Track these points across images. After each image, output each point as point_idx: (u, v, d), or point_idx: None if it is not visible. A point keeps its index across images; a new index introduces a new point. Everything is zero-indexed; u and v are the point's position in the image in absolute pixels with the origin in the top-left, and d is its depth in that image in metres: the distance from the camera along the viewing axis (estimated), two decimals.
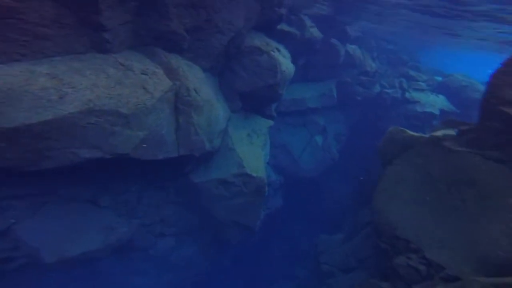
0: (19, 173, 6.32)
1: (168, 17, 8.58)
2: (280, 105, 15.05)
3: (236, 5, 10.05)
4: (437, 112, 19.29)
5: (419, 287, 7.15)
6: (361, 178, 14.77)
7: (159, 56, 8.69)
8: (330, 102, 17.13)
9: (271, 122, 12.67)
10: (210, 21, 9.59)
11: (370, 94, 18.74)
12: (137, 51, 8.43)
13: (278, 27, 12.87)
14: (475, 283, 5.96)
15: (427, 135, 9.31)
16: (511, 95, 7.51)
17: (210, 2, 9.23)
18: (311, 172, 16.15)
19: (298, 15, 14.41)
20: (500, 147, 7.64)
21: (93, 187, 8.71)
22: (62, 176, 7.47)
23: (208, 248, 11.62)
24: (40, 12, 6.36)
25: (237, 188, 10.24)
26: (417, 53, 27.56)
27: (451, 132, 9.10)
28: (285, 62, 11.84)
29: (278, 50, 11.90)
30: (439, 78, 24.24)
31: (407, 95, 19.68)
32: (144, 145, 7.71)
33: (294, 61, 13.22)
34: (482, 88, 21.81)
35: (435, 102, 20.47)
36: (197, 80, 9.29)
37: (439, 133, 9.24)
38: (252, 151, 11.00)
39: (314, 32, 14.79)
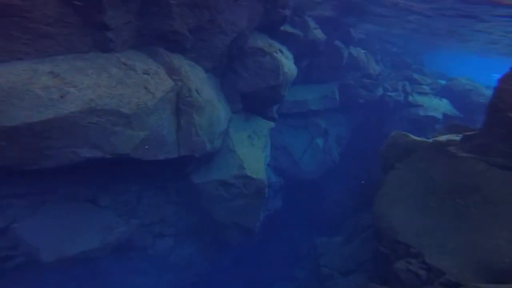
0: (19, 172, 6.35)
1: (171, 16, 8.62)
2: (282, 107, 15.06)
3: (239, 5, 10.09)
4: (440, 116, 19.28)
5: None
6: (362, 182, 14.80)
7: (162, 56, 8.73)
8: (333, 104, 17.14)
9: (272, 124, 12.69)
10: (213, 21, 9.63)
11: (373, 97, 18.74)
12: (140, 51, 8.48)
13: (282, 28, 12.88)
14: None
15: (430, 140, 9.34)
16: None
17: (213, 2, 9.27)
18: (312, 175, 16.17)
19: (302, 16, 14.43)
20: (506, 153, 7.66)
21: (93, 187, 8.75)
22: (62, 175, 7.51)
23: (207, 249, 11.66)
24: (44, 11, 6.41)
25: (237, 190, 10.28)
26: (421, 56, 27.49)
27: (455, 137, 9.13)
28: (287, 63, 11.87)
29: (281, 52, 11.93)
30: (443, 82, 24.20)
31: (410, 98, 19.68)
32: (147, 147, 7.75)
33: (296, 63, 13.24)
34: (486, 92, 21.78)
35: (438, 106, 20.46)
36: (199, 81, 9.32)
37: (443, 138, 9.28)
38: (252, 152, 11.04)
39: (318, 33, 14.81)
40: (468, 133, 8.71)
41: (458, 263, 6.95)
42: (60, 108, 6.25)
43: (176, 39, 9.01)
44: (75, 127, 6.53)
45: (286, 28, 13.22)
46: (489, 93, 21.70)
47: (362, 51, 18.65)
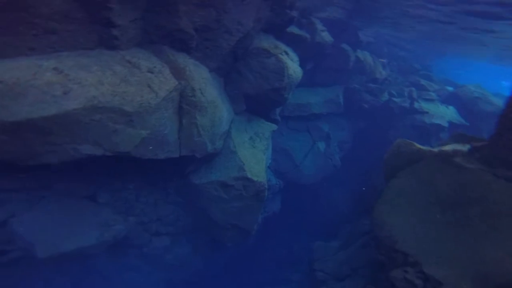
0: (19, 167, 6.45)
1: (177, 15, 8.69)
2: (285, 109, 15.12)
3: (246, 5, 10.13)
4: (445, 125, 19.18)
5: None
6: (363, 188, 14.84)
7: (166, 55, 8.80)
8: (336, 108, 17.16)
9: (274, 126, 12.73)
10: (219, 21, 9.68)
11: (378, 102, 18.70)
12: (145, 49, 8.55)
13: (288, 29, 12.92)
14: None
15: (435, 150, 9.30)
16: None
17: (220, 1, 9.32)
18: (312, 178, 16.22)
19: (309, 18, 14.45)
20: None
21: (91, 183, 8.86)
22: (62, 171, 7.62)
23: (203, 249, 11.76)
24: (51, 6, 6.50)
25: (237, 192, 10.34)
26: (429, 61, 27.40)
27: (461, 147, 9.08)
28: (293, 66, 11.90)
29: (287, 53, 11.96)
30: (450, 88, 24.06)
31: (416, 105, 19.55)
32: (150, 147, 7.84)
33: (302, 65, 13.26)
34: (495, 100, 21.59)
35: (445, 114, 20.33)
36: (203, 81, 9.39)
37: (449, 147, 9.23)
38: (253, 155, 11.09)
39: (325, 36, 14.82)
40: (476, 144, 8.69)
41: (456, 274, 6.97)
42: (62, 104, 6.33)
43: (182, 38, 9.08)
44: (77, 124, 6.61)
45: (293, 29, 13.24)
46: (497, 101, 21.58)
47: (369, 55, 18.63)
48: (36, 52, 6.59)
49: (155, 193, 10.29)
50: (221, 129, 10.10)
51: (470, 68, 40.70)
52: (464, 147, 8.86)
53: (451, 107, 21.66)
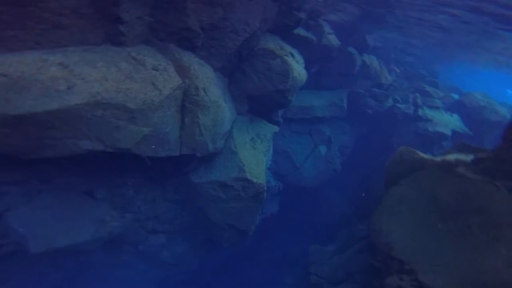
0: (19, 160, 6.51)
1: (185, 13, 8.73)
2: (287, 111, 15.13)
3: (253, 5, 10.16)
4: (449, 133, 19.13)
5: None
6: (363, 195, 14.87)
7: (172, 53, 8.84)
8: (340, 112, 17.16)
9: (276, 128, 12.77)
10: (226, 20, 9.72)
11: (382, 107, 18.66)
12: (151, 46, 8.60)
13: (295, 31, 12.92)
14: None
15: (438, 159, 9.32)
16: None
17: (228, 0, 9.35)
18: (311, 182, 16.25)
19: (317, 20, 14.43)
20: None
21: (90, 179, 8.92)
22: (61, 165, 7.67)
23: (199, 248, 11.84)
24: (61, 1, 6.54)
25: (236, 192, 10.40)
26: (436, 68, 27.25)
27: (464, 157, 9.07)
28: (298, 68, 11.92)
29: (292, 55, 11.98)
30: (456, 96, 23.96)
31: (420, 112, 19.50)
32: (153, 146, 7.89)
33: (307, 67, 13.28)
34: (501, 109, 21.48)
35: (448, 122, 20.25)
36: (207, 80, 9.43)
37: (452, 157, 9.22)
38: (254, 156, 11.14)
39: (332, 39, 14.80)
40: (480, 155, 8.71)
41: (452, 283, 7.03)
42: (66, 99, 6.40)
43: (188, 36, 9.11)
44: (79, 119, 6.69)
45: (300, 31, 13.23)
46: (503, 110, 21.49)
47: (376, 59, 18.57)
48: (43, 46, 6.64)
49: (153, 190, 10.37)
50: (223, 129, 10.15)
51: (477, 75, 40.46)
52: (467, 157, 8.87)
53: (455, 115, 21.59)
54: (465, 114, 21.78)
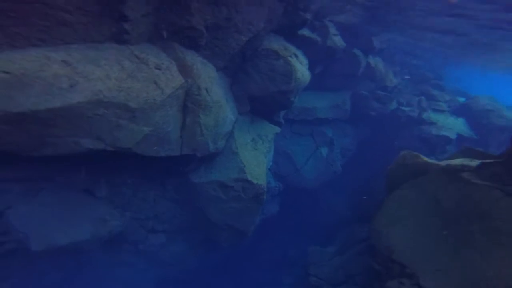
0: (20, 158, 6.56)
1: (190, 12, 8.73)
2: (289, 112, 15.11)
3: (259, 5, 10.15)
4: (453, 137, 19.04)
5: None
6: (364, 198, 14.84)
7: (175, 52, 8.86)
8: (342, 115, 17.15)
9: (278, 129, 12.79)
10: (230, 20, 9.72)
11: (385, 110, 18.63)
12: (154, 45, 8.62)
13: (300, 32, 12.89)
14: None
15: (442, 163, 9.26)
16: None
17: (233, 0, 9.33)
18: (312, 183, 16.28)
19: (322, 21, 14.37)
20: None
21: (90, 177, 8.96)
22: (62, 163, 7.72)
23: (198, 248, 11.90)
24: None
25: (236, 193, 10.45)
26: (443, 70, 27.06)
27: (469, 162, 9.02)
28: (301, 69, 11.91)
29: (296, 56, 11.97)
30: (462, 99, 23.76)
31: (424, 115, 19.43)
32: (155, 148, 7.92)
33: (311, 69, 13.28)
34: (508, 114, 21.25)
35: (453, 126, 20.15)
36: (209, 80, 9.46)
37: (456, 162, 9.19)
38: (255, 157, 11.17)
39: (337, 40, 14.75)
40: (487, 160, 8.66)
41: None
42: (68, 97, 6.42)
43: (192, 35, 9.12)
44: (81, 117, 6.71)
45: (305, 32, 13.21)
46: (511, 115, 21.27)
47: (381, 61, 18.48)
48: (47, 43, 6.66)
49: (153, 190, 10.43)
50: (224, 129, 10.18)
51: (485, 78, 40.14)
52: (472, 162, 8.82)
53: (460, 119, 21.47)
54: (471, 118, 21.59)
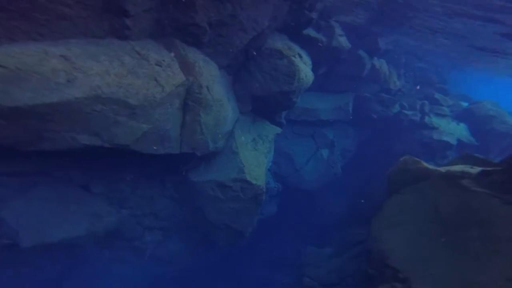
0: (15, 152, 6.43)
1: (194, 8, 8.54)
2: (291, 113, 14.96)
3: (264, 3, 9.95)
4: (454, 142, 18.89)
5: None
6: (362, 201, 14.74)
7: (177, 49, 8.70)
8: (344, 116, 16.96)
9: (279, 130, 12.65)
10: (234, 17, 9.53)
11: (388, 113, 18.43)
12: (156, 41, 8.45)
13: (304, 31, 12.67)
14: None
15: (443, 170, 9.17)
16: None
17: None
18: (311, 184, 16.17)
19: (328, 21, 14.13)
20: None
21: (87, 172, 8.83)
22: (58, 158, 7.58)
23: (194, 246, 11.80)
24: None
25: (234, 193, 10.34)
26: (448, 74, 26.76)
27: (469, 168, 8.91)
28: (305, 69, 11.73)
29: (300, 56, 11.79)
30: (465, 104, 23.51)
31: (426, 119, 19.22)
32: (154, 147, 7.76)
33: (314, 69, 13.09)
34: (510, 120, 20.96)
35: (455, 131, 19.97)
36: (211, 78, 9.30)
37: (457, 168, 9.07)
38: (255, 157, 11.04)
39: (343, 41, 14.52)
40: (488, 168, 8.54)
41: None
42: (65, 92, 6.30)
43: (195, 32, 8.94)
44: (78, 113, 6.60)
45: (309, 32, 12.98)
46: None
47: (385, 64, 18.23)
48: (46, 38, 6.50)
49: (151, 187, 10.30)
50: (224, 128, 10.04)
51: (490, 83, 39.75)
52: (473, 169, 8.71)
53: (462, 124, 21.27)
54: (473, 123, 21.35)
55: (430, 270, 7.33)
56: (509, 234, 7.12)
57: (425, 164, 9.62)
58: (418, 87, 21.23)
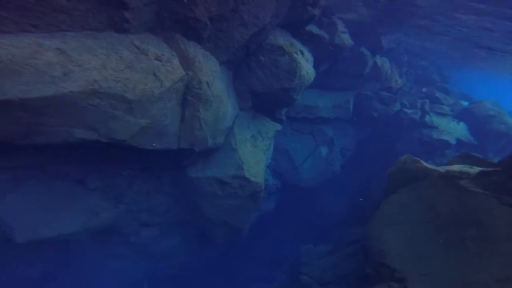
0: (8, 145, 6.22)
1: (194, 2, 8.28)
2: (291, 110, 14.71)
3: None
4: (453, 142, 18.73)
5: None
6: (360, 200, 14.58)
7: (177, 43, 8.46)
8: (345, 114, 16.74)
9: (278, 127, 12.43)
10: (235, 12, 9.29)
11: (388, 112, 18.21)
12: (156, 35, 8.20)
13: (307, 28, 12.37)
14: None
15: (441, 169, 9.06)
16: None
17: None
18: (309, 182, 15.99)
19: (331, 18, 13.81)
20: None
21: (83, 167, 8.62)
22: (53, 152, 7.37)
23: (190, 243, 11.68)
24: None
25: (233, 190, 10.17)
26: (449, 73, 26.42)
27: (468, 168, 8.84)
28: (306, 66, 11.47)
29: (302, 53, 11.53)
30: (466, 103, 23.27)
31: (426, 118, 19.04)
32: (154, 144, 7.52)
33: (316, 66, 12.85)
34: (509, 120, 20.82)
35: (454, 130, 19.82)
36: (211, 73, 9.06)
37: (455, 168, 8.99)
38: (254, 154, 10.84)
39: (345, 38, 14.20)
40: (486, 169, 8.41)
41: None
42: (60, 86, 6.08)
43: (195, 27, 8.69)
44: (74, 107, 6.38)
45: (312, 28, 12.69)
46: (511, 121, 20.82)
47: (388, 62, 17.90)
48: (40, 30, 6.24)
49: (148, 183, 10.12)
50: (224, 124, 9.83)
51: (491, 82, 39.36)
52: (471, 169, 8.63)
53: (461, 124, 21.11)
54: (473, 122, 21.23)
55: (427, 270, 7.30)
56: (506, 235, 7.05)
57: (424, 164, 9.55)
58: (424, 89, 20.94)
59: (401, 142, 18.27)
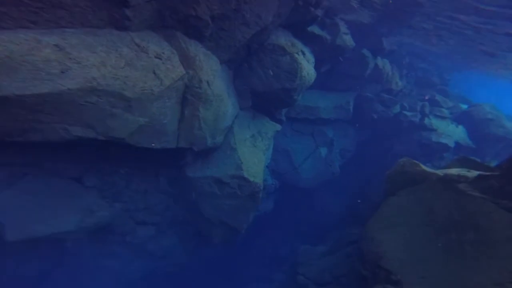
0: (4, 142, 6.06)
1: (196, 0, 8.07)
2: (291, 110, 14.55)
3: None
4: (451, 145, 18.63)
5: None
6: (359, 201, 14.44)
7: (178, 41, 8.30)
8: (345, 116, 16.57)
9: (278, 127, 12.28)
10: (238, 11, 9.13)
11: (388, 114, 18.08)
12: (156, 33, 8.04)
13: (309, 28, 12.19)
14: None
15: (440, 173, 9.01)
16: None
17: None
18: (309, 182, 15.84)
19: (333, 18, 13.62)
20: None
21: (80, 164, 8.46)
22: (50, 149, 7.21)
23: (188, 242, 11.53)
24: None
25: (231, 190, 10.02)
26: (449, 76, 26.25)
27: (466, 172, 8.81)
28: (307, 67, 11.30)
29: (303, 53, 11.36)
30: (465, 106, 23.14)
31: (426, 121, 18.92)
32: (153, 144, 7.36)
33: (317, 67, 12.69)
34: (508, 124, 20.71)
35: (453, 133, 19.72)
36: (212, 72, 8.90)
37: (453, 171, 8.95)
38: (253, 154, 10.68)
39: (347, 39, 14.01)
40: (484, 173, 8.37)
41: None
42: (58, 83, 5.93)
43: (197, 25, 8.53)
44: (71, 104, 6.24)
45: (314, 29, 12.51)
46: (510, 125, 20.71)
47: (389, 64, 17.70)
48: (39, 26, 6.08)
49: (146, 181, 9.96)
50: (224, 124, 9.68)
51: (491, 85, 39.15)
52: (469, 173, 8.59)
53: (460, 127, 21.01)
54: (472, 125, 21.14)
55: (424, 273, 7.26)
56: (504, 238, 7.02)
57: (423, 167, 9.51)
58: (427, 97, 20.77)
59: (400, 144, 18.15)
